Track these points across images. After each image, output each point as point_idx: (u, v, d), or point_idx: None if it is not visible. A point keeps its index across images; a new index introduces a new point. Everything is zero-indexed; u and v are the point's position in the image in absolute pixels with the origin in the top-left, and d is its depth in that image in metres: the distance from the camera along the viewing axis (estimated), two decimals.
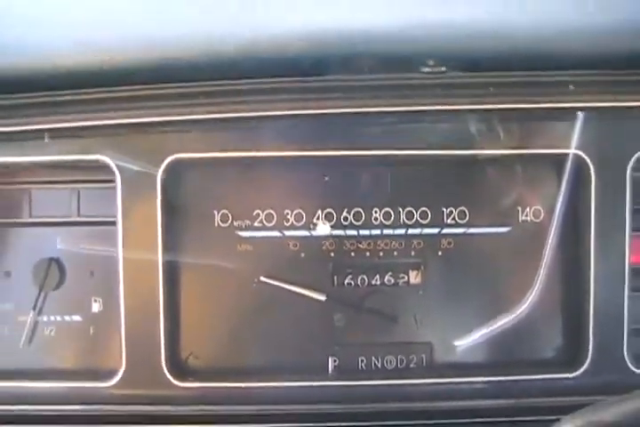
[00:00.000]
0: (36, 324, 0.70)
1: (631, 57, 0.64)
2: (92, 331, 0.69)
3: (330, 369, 0.67)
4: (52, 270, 0.70)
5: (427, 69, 0.64)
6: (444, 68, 0.64)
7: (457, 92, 0.64)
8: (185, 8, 0.60)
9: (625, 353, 0.66)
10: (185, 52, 0.63)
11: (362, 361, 0.67)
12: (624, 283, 0.67)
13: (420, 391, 0.65)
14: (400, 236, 0.67)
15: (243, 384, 0.66)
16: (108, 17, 0.60)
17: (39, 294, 0.69)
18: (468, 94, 0.64)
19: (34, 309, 0.69)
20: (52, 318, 0.70)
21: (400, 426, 0.65)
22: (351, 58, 0.63)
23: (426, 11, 0.60)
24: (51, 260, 0.69)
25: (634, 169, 0.66)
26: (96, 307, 0.70)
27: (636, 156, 0.67)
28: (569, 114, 0.65)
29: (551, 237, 0.67)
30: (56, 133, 0.66)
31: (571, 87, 0.64)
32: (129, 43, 0.62)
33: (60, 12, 0.60)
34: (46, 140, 0.67)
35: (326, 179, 0.67)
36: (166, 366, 0.66)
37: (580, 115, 0.64)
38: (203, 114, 0.64)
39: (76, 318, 0.70)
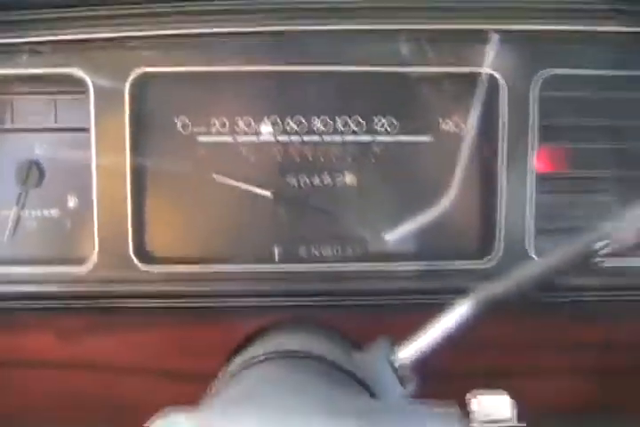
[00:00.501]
0: (18, 218, 0.76)
1: None
2: (68, 224, 0.76)
3: (275, 256, 0.74)
4: (33, 171, 0.75)
5: None
6: None
7: (387, 13, 0.73)
8: None
9: (526, 246, 0.75)
10: None
11: (303, 250, 0.75)
12: (528, 187, 0.75)
13: (354, 274, 0.74)
14: (337, 142, 0.74)
15: (198, 267, 0.74)
16: None
17: (21, 192, 0.76)
18: (397, 15, 0.72)
19: (17, 204, 0.76)
20: (33, 213, 0.76)
21: (336, 304, 0.74)
22: None
23: None
24: (31, 162, 0.75)
25: (541, 88, 0.74)
26: (72, 203, 0.75)
27: (542, 75, 0.73)
28: (484, 35, 0.72)
29: (468, 146, 0.75)
30: (33, 48, 0.71)
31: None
32: None
33: None
34: (24, 56, 0.72)
35: (272, 90, 0.73)
36: (133, 252, 0.73)
37: (494, 36, 0.73)
38: (165, 30, 0.71)
39: (54, 212, 0.76)
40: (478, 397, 0.58)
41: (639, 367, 0.81)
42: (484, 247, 0.76)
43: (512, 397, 0.59)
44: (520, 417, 0.58)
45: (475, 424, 0.57)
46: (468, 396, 0.59)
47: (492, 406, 0.57)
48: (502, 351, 0.77)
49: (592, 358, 0.81)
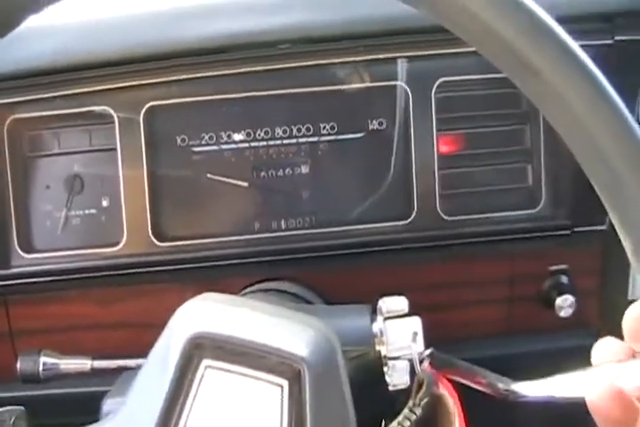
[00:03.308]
0: (67, 217, 0.95)
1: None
2: (103, 219, 0.96)
3: (255, 227, 0.96)
4: (76, 182, 0.95)
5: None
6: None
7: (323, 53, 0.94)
8: None
9: (437, 209, 0.97)
10: None
11: (275, 223, 0.97)
12: (435, 164, 0.96)
13: (314, 236, 0.98)
14: (294, 144, 0.96)
15: (199, 241, 0.95)
16: None
17: (68, 198, 0.96)
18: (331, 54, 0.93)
19: (65, 207, 0.96)
20: (77, 212, 0.95)
21: (300, 257, 0.97)
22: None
23: None
24: (74, 175, 0.95)
25: (437, 92, 0.95)
26: (105, 203, 0.95)
27: (438, 81, 0.95)
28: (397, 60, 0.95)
29: (390, 139, 0.96)
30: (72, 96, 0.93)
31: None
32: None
33: None
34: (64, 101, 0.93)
35: (244, 111, 0.95)
36: (152, 234, 0.94)
37: (403, 60, 0.95)
38: (168, 77, 0.92)
39: (93, 211, 0.96)
40: (384, 299, 0.74)
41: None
42: (405, 211, 0.96)
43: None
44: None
45: (379, 316, 0.73)
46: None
47: (394, 303, 0.74)
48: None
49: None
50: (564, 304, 0.96)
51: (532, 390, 0.59)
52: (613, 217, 0.43)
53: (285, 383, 0.49)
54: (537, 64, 0.40)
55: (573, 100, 0.41)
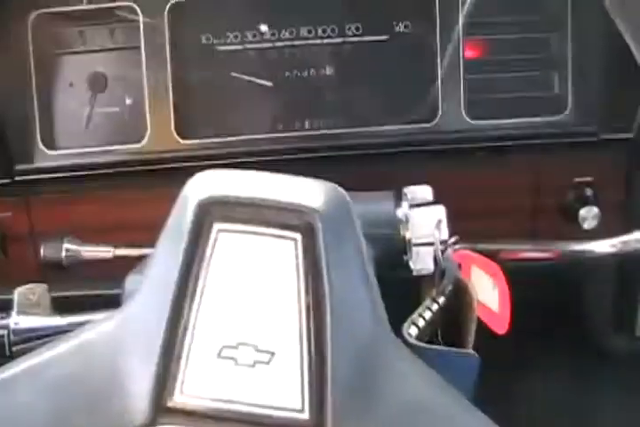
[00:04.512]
0: (90, 115, 0.96)
1: None
2: (126, 117, 0.96)
3: (279, 126, 0.97)
4: (100, 79, 0.96)
5: None
6: None
7: None
8: None
9: (462, 113, 0.98)
10: None
11: (300, 122, 0.98)
12: (460, 68, 0.97)
13: (340, 135, 0.98)
14: (319, 44, 0.96)
15: (225, 139, 0.96)
16: None
17: (92, 96, 0.97)
18: None
19: (89, 104, 0.96)
20: (101, 110, 0.96)
21: (326, 155, 0.97)
22: None
23: None
24: (98, 73, 0.95)
25: None
26: (129, 101, 0.96)
27: None
28: None
29: (415, 42, 0.96)
30: None
31: None
32: None
33: None
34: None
35: (269, 8, 0.96)
36: (175, 131, 0.95)
37: None
38: None
39: (116, 109, 0.97)
40: (409, 187, 0.74)
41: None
42: (430, 114, 0.97)
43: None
44: None
45: (404, 202, 0.73)
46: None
47: (418, 191, 0.74)
48: None
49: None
50: (588, 215, 0.96)
51: (605, 247, 0.57)
52: None
53: (299, 237, 0.47)
54: None
55: None
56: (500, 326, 0.71)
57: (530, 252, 0.64)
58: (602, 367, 1.09)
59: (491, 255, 0.71)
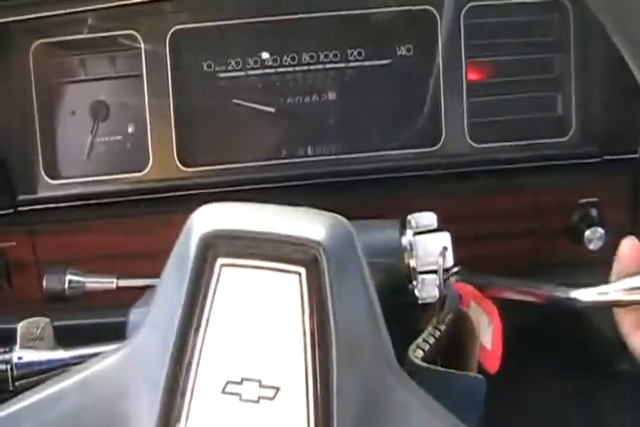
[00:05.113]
0: (92, 143, 0.95)
1: None
2: (129, 145, 0.95)
3: (282, 153, 0.97)
4: (102, 109, 0.95)
5: None
6: None
7: None
8: None
9: (465, 136, 0.98)
10: None
11: (301, 149, 0.97)
12: (463, 91, 0.96)
13: (340, 161, 0.97)
14: (321, 70, 0.95)
15: (228, 166, 0.95)
16: None
17: (94, 124, 0.96)
18: None
19: (91, 133, 0.96)
20: (103, 138, 0.95)
21: (327, 181, 0.97)
22: None
23: None
24: (100, 102, 0.94)
25: (465, 17, 0.95)
26: (131, 129, 0.95)
27: (467, 6, 0.94)
28: None
29: (422, 65, 0.95)
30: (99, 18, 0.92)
31: None
32: None
33: None
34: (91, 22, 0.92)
35: (271, 35, 0.94)
36: (177, 159, 0.94)
37: None
38: None
39: (118, 137, 0.95)
40: (413, 214, 0.72)
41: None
42: (433, 138, 0.97)
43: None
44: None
45: (408, 230, 0.71)
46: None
47: (423, 218, 0.73)
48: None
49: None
50: (594, 236, 0.95)
51: (593, 296, 0.56)
52: None
53: (303, 271, 0.47)
54: None
55: None
56: (492, 365, 0.70)
57: (517, 294, 0.63)
58: (606, 386, 1.07)
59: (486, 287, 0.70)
